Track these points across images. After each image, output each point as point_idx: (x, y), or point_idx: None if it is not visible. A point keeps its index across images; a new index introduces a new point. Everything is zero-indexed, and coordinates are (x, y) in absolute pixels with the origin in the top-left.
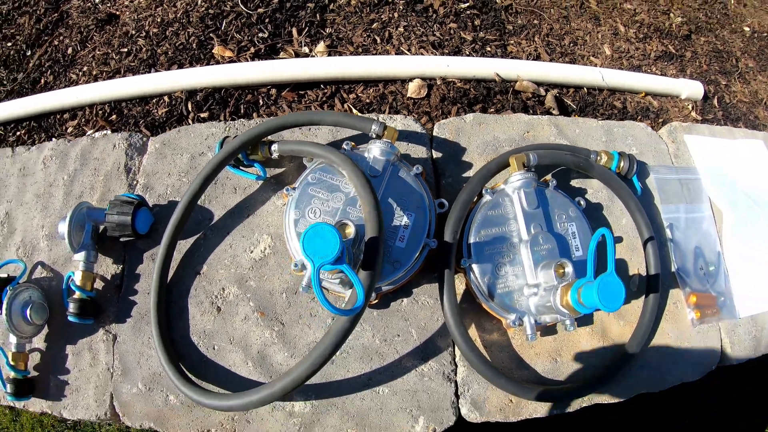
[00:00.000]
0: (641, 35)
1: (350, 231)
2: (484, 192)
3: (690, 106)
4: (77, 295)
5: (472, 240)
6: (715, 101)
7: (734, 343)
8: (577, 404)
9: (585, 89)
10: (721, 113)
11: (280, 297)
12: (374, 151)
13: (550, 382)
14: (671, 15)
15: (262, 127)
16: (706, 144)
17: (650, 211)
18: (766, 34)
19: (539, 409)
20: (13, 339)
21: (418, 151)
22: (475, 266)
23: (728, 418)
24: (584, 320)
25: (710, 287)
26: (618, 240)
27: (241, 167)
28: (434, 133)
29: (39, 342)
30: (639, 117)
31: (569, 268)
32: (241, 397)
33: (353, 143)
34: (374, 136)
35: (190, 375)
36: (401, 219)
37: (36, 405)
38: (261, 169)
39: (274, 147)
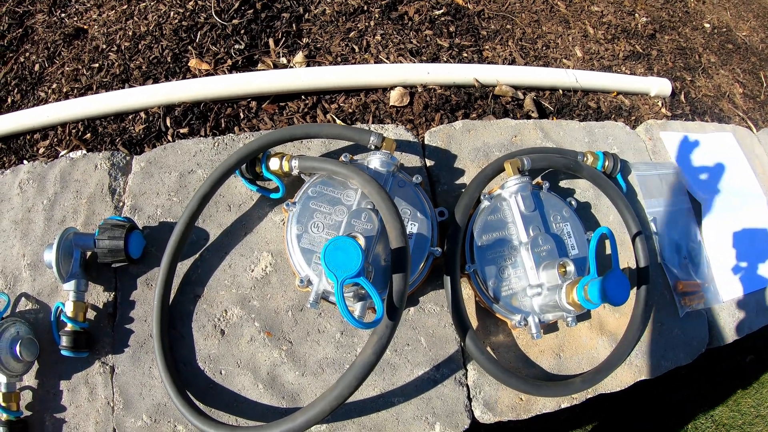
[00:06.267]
0: (609, 36)
1: (361, 243)
2: (482, 198)
3: (660, 103)
4: (69, 327)
5: (474, 246)
6: (682, 97)
7: (720, 325)
8: (583, 396)
9: (560, 91)
10: (689, 108)
11: (286, 315)
12: (375, 163)
13: (556, 377)
14: (636, 15)
15: (259, 142)
16: (681, 139)
17: (635, 207)
18: (725, 30)
19: (548, 405)
20: (2, 378)
21: (412, 160)
22: (479, 271)
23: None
24: (583, 315)
25: (694, 275)
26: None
27: (257, 182)
28: (426, 142)
29: (29, 379)
30: (613, 116)
31: (571, 267)
32: (266, 428)
33: (351, 155)
34: (373, 147)
35: (197, 402)
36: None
37: None
38: (279, 183)
39: (294, 164)
